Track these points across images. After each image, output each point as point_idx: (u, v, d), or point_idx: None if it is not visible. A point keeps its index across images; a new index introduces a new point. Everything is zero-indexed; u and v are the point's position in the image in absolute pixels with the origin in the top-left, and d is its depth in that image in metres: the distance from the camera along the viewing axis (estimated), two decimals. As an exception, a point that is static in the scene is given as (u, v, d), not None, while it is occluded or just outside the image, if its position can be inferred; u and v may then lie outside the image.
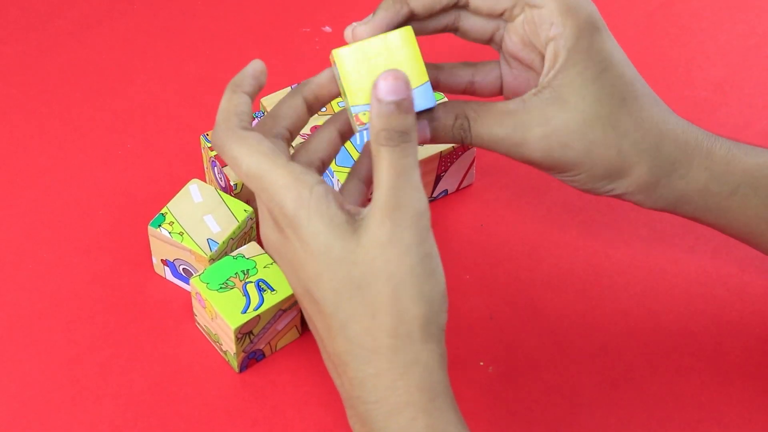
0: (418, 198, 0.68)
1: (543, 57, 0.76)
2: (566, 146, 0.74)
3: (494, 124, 0.75)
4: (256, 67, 0.75)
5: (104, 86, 1.02)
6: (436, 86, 0.80)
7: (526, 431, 0.82)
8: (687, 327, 0.87)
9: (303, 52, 1.05)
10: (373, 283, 0.67)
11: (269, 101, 0.94)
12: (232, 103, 0.73)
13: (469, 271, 0.90)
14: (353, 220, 0.68)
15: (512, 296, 0.89)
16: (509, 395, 0.83)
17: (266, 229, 0.72)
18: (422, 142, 0.75)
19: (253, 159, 0.69)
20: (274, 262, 0.73)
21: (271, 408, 0.83)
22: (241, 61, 1.04)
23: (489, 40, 0.79)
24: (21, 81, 1.03)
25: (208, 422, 0.82)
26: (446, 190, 0.95)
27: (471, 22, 0.78)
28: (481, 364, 0.85)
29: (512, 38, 0.78)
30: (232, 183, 0.89)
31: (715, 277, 0.90)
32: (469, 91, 0.80)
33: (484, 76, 0.80)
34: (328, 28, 1.06)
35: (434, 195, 0.94)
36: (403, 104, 0.68)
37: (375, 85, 0.68)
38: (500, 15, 0.77)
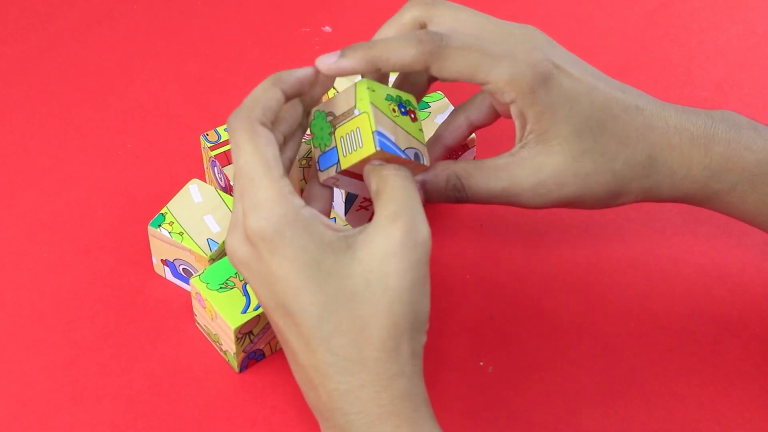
0: (426, 224, 0.70)
1: None
2: (563, 186, 0.76)
3: (489, 179, 0.77)
4: (307, 72, 0.75)
5: (104, 86, 1.02)
6: (444, 150, 0.83)
7: (526, 431, 0.82)
8: (687, 327, 0.87)
9: (303, 52, 1.05)
10: (369, 296, 0.68)
11: (269, 101, 0.94)
12: (265, 94, 0.73)
13: (469, 271, 0.90)
14: (344, 237, 0.70)
15: (512, 296, 0.89)
16: (509, 395, 0.83)
17: (234, 241, 0.71)
18: None
19: (254, 159, 0.70)
20: (237, 269, 0.72)
21: (271, 408, 0.83)
22: (241, 61, 1.05)
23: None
24: (21, 81, 1.03)
25: (208, 422, 0.82)
26: (446, 190, 0.95)
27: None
28: (481, 364, 0.85)
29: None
30: (232, 183, 0.89)
31: (715, 277, 0.90)
32: (473, 130, 0.83)
33: (478, 113, 0.81)
34: (328, 28, 1.06)
35: (434, 195, 0.94)
36: None
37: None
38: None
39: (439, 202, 0.78)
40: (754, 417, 0.83)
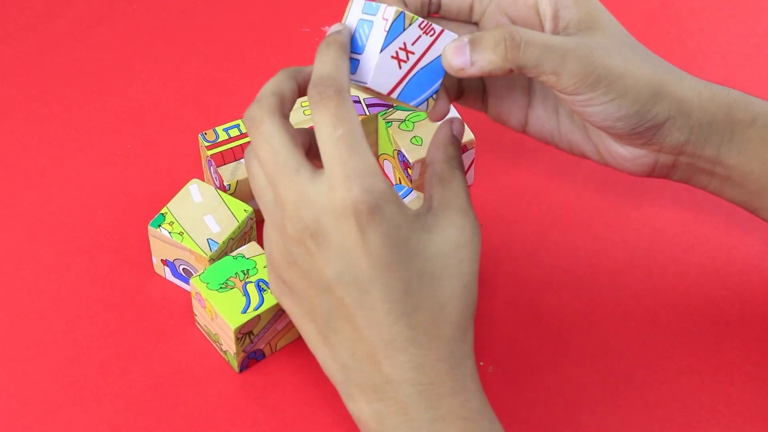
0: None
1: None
2: (609, 56, 0.75)
3: (542, 35, 0.74)
4: None
5: (104, 86, 1.02)
6: None
7: (526, 431, 0.82)
8: (687, 327, 0.87)
9: (303, 52, 1.05)
10: (447, 278, 0.71)
11: (269, 101, 0.94)
12: (282, 86, 0.73)
13: (469, 271, 0.90)
14: (420, 218, 0.72)
15: (512, 296, 0.89)
16: (509, 395, 0.83)
17: (314, 205, 0.69)
18: (462, 66, 0.74)
19: (354, 129, 0.69)
20: (302, 241, 0.70)
21: (271, 408, 0.83)
22: (241, 61, 1.05)
23: (469, 18, 0.80)
24: (21, 81, 1.03)
25: (208, 422, 0.82)
26: (446, 190, 0.95)
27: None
28: (481, 364, 0.85)
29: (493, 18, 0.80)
30: (225, 183, 0.89)
31: (715, 277, 0.90)
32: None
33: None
34: (327, 28, 1.06)
35: (434, 195, 0.95)
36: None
37: (451, 122, 0.77)
38: (469, 17, 0.80)
39: (492, 63, 0.74)
40: (754, 417, 0.83)
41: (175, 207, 0.88)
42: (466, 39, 0.74)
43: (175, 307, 0.88)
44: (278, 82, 0.73)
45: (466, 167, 0.94)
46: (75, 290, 0.89)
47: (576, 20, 0.76)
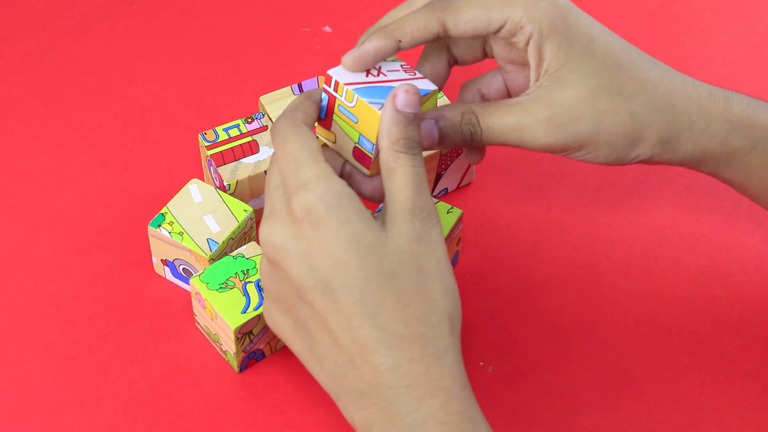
0: (434, 204, 0.73)
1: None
2: (577, 120, 0.77)
3: (503, 113, 0.78)
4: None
5: (104, 86, 1.02)
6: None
7: (525, 431, 0.82)
8: (687, 327, 0.87)
9: (303, 52, 1.05)
10: (405, 274, 0.70)
11: (267, 99, 0.94)
12: (303, 103, 0.76)
13: (469, 271, 0.90)
14: (377, 216, 0.72)
15: (512, 296, 0.89)
16: (509, 395, 0.83)
17: (269, 227, 0.72)
18: (430, 147, 0.78)
19: (299, 145, 0.72)
20: (270, 258, 0.72)
21: (271, 408, 0.83)
22: (241, 61, 1.05)
23: (485, 55, 0.83)
24: (21, 81, 1.03)
25: (208, 422, 0.82)
26: (446, 189, 0.95)
27: (461, 48, 0.82)
28: (481, 364, 0.85)
29: (499, 45, 0.81)
30: (225, 183, 0.89)
31: (715, 277, 0.90)
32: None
33: (489, 86, 0.83)
34: (328, 28, 1.06)
35: (434, 193, 0.95)
36: (416, 117, 0.73)
37: (394, 96, 0.73)
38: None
39: (453, 143, 0.79)
40: (754, 417, 0.83)
41: (175, 207, 0.88)
42: (433, 123, 0.78)
43: (175, 307, 0.88)
44: (300, 99, 0.76)
45: (465, 166, 0.94)
46: (75, 290, 0.89)
47: (550, 72, 0.77)
